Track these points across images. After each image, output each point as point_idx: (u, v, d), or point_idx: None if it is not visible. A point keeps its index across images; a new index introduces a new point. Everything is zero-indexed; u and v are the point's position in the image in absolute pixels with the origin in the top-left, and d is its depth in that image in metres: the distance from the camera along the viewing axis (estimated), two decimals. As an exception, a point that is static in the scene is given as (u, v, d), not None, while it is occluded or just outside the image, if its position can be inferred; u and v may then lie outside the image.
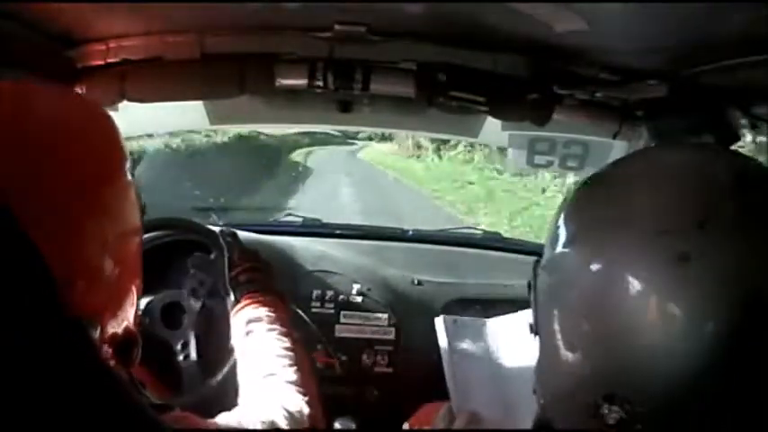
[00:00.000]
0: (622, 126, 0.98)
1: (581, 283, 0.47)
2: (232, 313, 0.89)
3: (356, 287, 1.36)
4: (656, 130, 0.92)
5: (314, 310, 1.33)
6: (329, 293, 1.35)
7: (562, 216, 0.52)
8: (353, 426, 1.26)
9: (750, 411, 0.41)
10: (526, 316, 0.57)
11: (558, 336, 0.50)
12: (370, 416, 1.36)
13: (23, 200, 0.40)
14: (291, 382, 0.70)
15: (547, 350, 0.53)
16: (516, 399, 0.82)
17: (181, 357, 1.15)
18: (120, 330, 0.52)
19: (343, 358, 1.32)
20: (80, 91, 0.91)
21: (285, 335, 0.79)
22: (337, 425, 1.27)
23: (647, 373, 0.42)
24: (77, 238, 0.45)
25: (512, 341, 0.92)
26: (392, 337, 1.34)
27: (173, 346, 1.16)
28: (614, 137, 1.00)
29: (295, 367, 0.73)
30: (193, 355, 1.15)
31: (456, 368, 0.89)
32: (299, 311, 1.31)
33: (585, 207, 0.51)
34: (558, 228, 0.51)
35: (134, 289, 0.55)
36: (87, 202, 0.47)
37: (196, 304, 1.20)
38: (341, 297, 1.35)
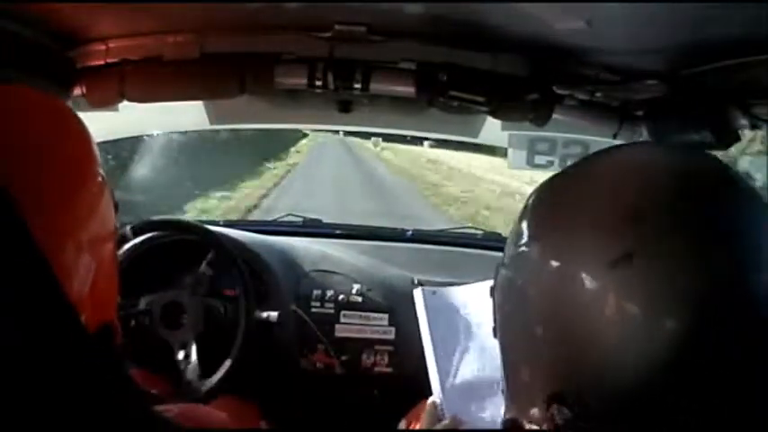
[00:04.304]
0: (622, 126, 0.98)
1: (536, 282, 0.47)
2: None
3: (356, 287, 1.36)
4: (655, 130, 0.92)
5: (314, 310, 1.33)
6: (329, 293, 1.35)
7: (522, 214, 0.52)
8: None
9: (702, 410, 0.41)
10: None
11: (514, 334, 0.51)
12: (370, 416, 1.36)
13: None
14: None
15: (505, 348, 0.53)
16: (498, 368, 0.81)
17: (180, 357, 1.16)
18: (99, 318, 0.53)
19: (344, 358, 1.32)
20: (80, 91, 0.91)
21: None
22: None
23: (597, 373, 0.42)
24: (49, 239, 0.45)
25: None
26: (392, 337, 1.34)
27: (172, 345, 1.17)
28: (614, 137, 1.00)
29: None
30: (193, 355, 1.16)
31: (435, 341, 0.88)
32: (299, 311, 1.31)
33: (541, 206, 0.51)
34: (517, 226, 0.52)
35: (112, 287, 0.56)
36: (60, 203, 0.47)
37: (196, 303, 1.20)
38: (341, 297, 1.35)
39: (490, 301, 0.57)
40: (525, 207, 0.52)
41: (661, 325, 0.40)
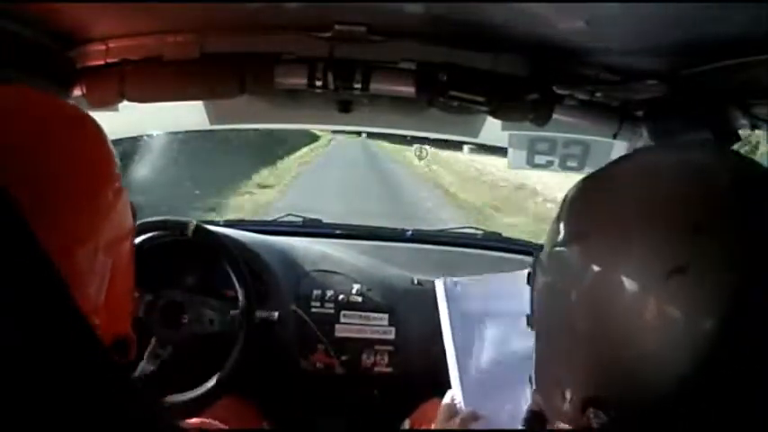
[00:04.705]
0: (622, 126, 0.98)
1: (576, 284, 0.46)
2: None
3: (356, 287, 1.36)
4: (656, 130, 0.92)
5: (314, 310, 1.33)
6: (329, 293, 1.35)
7: (561, 213, 0.51)
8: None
9: (736, 421, 0.40)
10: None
11: (552, 332, 0.50)
12: (370, 416, 1.36)
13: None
14: None
15: (541, 343, 0.53)
16: (518, 360, 0.80)
17: (145, 358, 1.14)
18: (115, 330, 0.52)
19: (344, 358, 1.32)
20: (80, 91, 0.91)
21: None
22: None
23: (635, 379, 0.41)
24: (68, 241, 0.45)
25: (515, 299, 0.90)
26: (392, 337, 1.34)
27: (149, 343, 1.15)
28: (614, 137, 1.00)
29: None
30: (152, 366, 1.13)
31: (456, 332, 0.88)
32: (299, 311, 1.31)
33: (583, 206, 0.50)
34: (557, 224, 0.51)
35: (128, 290, 0.55)
36: (78, 206, 0.47)
37: (196, 303, 1.20)
38: (341, 297, 1.35)
39: (526, 289, 0.56)
40: (564, 202, 0.51)
41: (711, 333, 0.39)
